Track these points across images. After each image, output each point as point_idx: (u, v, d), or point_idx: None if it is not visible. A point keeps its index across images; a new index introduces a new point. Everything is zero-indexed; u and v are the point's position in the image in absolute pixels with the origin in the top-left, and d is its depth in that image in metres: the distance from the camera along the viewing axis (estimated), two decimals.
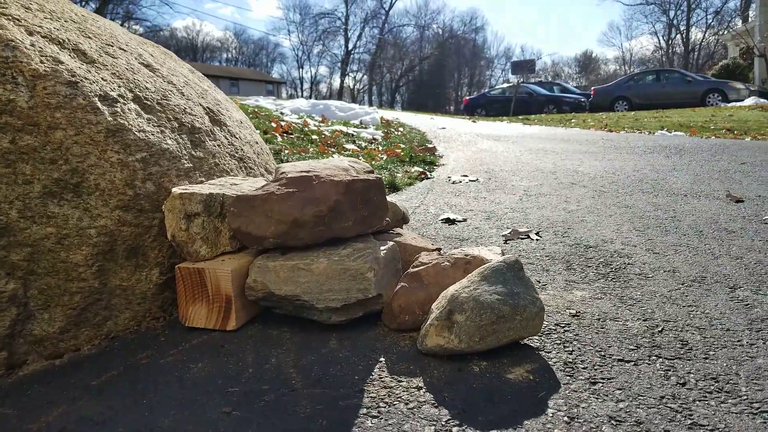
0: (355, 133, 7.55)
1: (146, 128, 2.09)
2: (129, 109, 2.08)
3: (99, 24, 2.51)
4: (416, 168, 5.54)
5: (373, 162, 5.71)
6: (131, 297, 1.96)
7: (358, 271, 1.84)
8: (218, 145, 2.47)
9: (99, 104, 1.97)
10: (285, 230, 1.92)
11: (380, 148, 6.73)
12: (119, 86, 2.13)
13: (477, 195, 4.22)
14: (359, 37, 34.53)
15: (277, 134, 6.58)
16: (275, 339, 1.83)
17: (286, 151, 5.45)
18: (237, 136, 2.71)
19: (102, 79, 2.07)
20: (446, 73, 36.05)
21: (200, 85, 2.83)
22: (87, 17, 2.49)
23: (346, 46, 32.06)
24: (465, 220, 3.42)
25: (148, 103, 2.20)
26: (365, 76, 34.92)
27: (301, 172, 2.09)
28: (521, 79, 20.98)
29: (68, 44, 2.09)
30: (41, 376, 1.65)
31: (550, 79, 31.99)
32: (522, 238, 2.99)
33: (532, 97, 20.19)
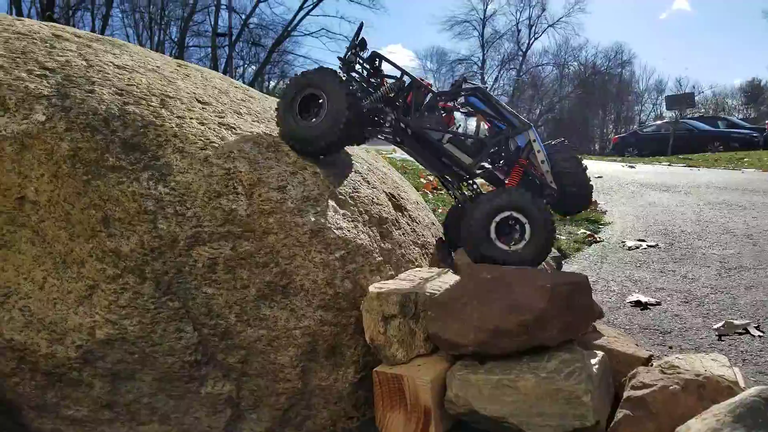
0: None
1: (342, 224, 2.13)
2: (328, 207, 2.15)
3: None
4: (581, 229, 5.17)
5: None
6: (329, 396, 1.97)
7: (573, 394, 1.66)
8: (403, 234, 2.46)
9: (305, 206, 2.06)
10: (485, 339, 1.81)
11: None
12: (316, 183, 2.21)
13: (663, 267, 3.78)
14: (496, 79, 34.38)
15: (427, 191, 6.61)
16: None
17: (440, 210, 5.41)
18: (417, 221, 2.70)
19: (304, 177, 2.17)
20: (589, 111, 34.38)
21: (380, 169, 2.89)
22: None
23: None
24: (659, 303, 3.04)
25: (342, 197, 2.26)
26: None
27: (494, 272, 1.99)
28: (679, 115, 19.23)
29: (273, 147, 2.23)
30: None
31: (711, 113, 28.99)
32: (740, 333, 2.56)
33: (692, 134, 18.32)
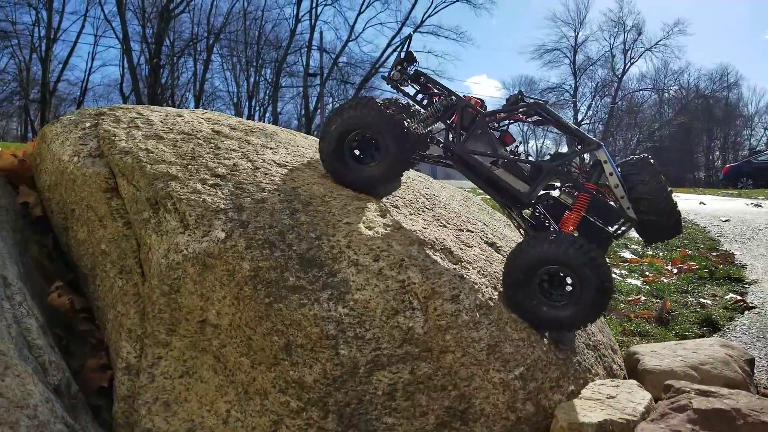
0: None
1: (515, 335, 1.94)
2: (501, 315, 1.97)
3: (450, 207, 2.53)
4: (724, 289, 4.65)
5: (663, 279, 4.99)
6: None
7: None
8: (575, 335, 2.23)
9: (479, 316, 1.89)
10: None
11: (661, 255, 5.93)
12: (486, 285, 2.04)
13: None
14: (590, 107, 32.97)
15: None
16: None
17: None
18: None
19: (473, 281, 2.01)
20: (693, 137, 32.12)
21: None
22: (438, 196, 2.53)
23: (575, 118, 30.97)
24: None
25: None
26: None
27: (711, 403, 1.70)
28: None
29: (437, 245, 2.09)
30: None
31: None
32: None
33: None
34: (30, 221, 2.30)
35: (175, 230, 1.78)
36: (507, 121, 2.22)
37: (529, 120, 2.19)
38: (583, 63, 32.85)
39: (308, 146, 2.59)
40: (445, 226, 2.29)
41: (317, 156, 2.47)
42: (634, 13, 34.50)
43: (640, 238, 2.17)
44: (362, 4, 28.25)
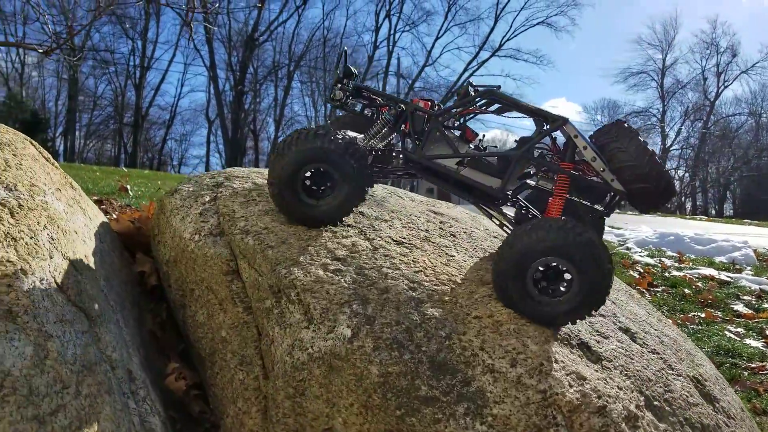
0: (730, 280, 6.23)
1: None
2: (647, 424, 1.72)
3: None
4: None
5: None
6: None
7: None
8: None
9: (628, 430, 1.66)
10: None
11: None
12: (632, 389, 1.80)
13: None
14: (679, 132, 31.01)
15: (642, 289, 5.82)
16: None
17: (705, 348, 4.58)
18: (730, 413, 2.14)
19: (618, 387, 1.77)
20: None
21: (661, 330, 2.39)
22: None
23: (663, 143, 29.29)
24: None
25: (657, 403, 1.82)
26: (686, 174, 30.75)
27: None
28: None
29: (573, 339, 1.88)
30: None
31: None
32: None
33: None
34: (144, 289, 2.31)
35: (299, 324, 1.69)
36: (464, 117, 2.09)
37: (490, 110, 2.02)
38: (672, 86, 31.08)
39: (419, 213, 2.46)
40: None
41: (430, 226, 2.33)
42: (729, 35, 32.28)
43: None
44: (440, 29, 28.41)
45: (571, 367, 1.74)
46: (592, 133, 1.98)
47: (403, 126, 2.04)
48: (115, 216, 2.65)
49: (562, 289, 1.75)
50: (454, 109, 2.05)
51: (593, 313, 1.81)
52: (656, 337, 2.27)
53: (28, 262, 1.50)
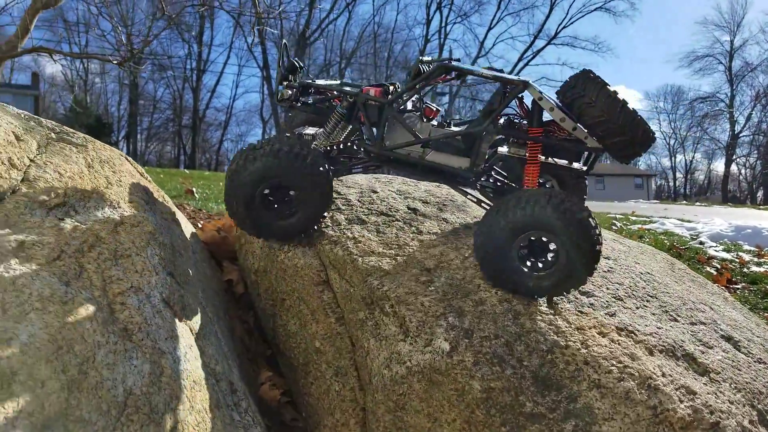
0: None
1: None
2: None
3: (671, 289, 2.19)
4: None
5: None
6: None
7: None
8: None
9: None
10: None
11: None
12: (743, 403, 1.70)
13: None
14: (749, 117, 29.04)
15: (721, 286, 5.51)
16: None
17: None
18: None
19: (729, 401, 1.68)
20: None
21: (764, 336, 2.25)
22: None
23: (732, 130, 27.60)
24: None
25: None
26: (758, 162, 28.82)
27: None
28: None
29: (678, 350, 1.79)
30: None
31: None
32: None
33: None
34: (232, 297, 2.36)
35: (395, 336, 1.68)
36: (421, 93, 2.00)
37: (449, 78, 1.92)
38: (741, 69, 29.22)
39: None
40: (676, 320, 1.98)
41: None
42: None
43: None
44: (492, 19, 27.75)
45: (680, 380, 1.66)
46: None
47: (360, 117, 1.95)
48: (200, 225, 2.72)
49: (547, 261, 1.68)
50: (407, 92, 1.94)
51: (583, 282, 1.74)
52: (760, 345, 2.14)
53: (137, 279, 1.55)
